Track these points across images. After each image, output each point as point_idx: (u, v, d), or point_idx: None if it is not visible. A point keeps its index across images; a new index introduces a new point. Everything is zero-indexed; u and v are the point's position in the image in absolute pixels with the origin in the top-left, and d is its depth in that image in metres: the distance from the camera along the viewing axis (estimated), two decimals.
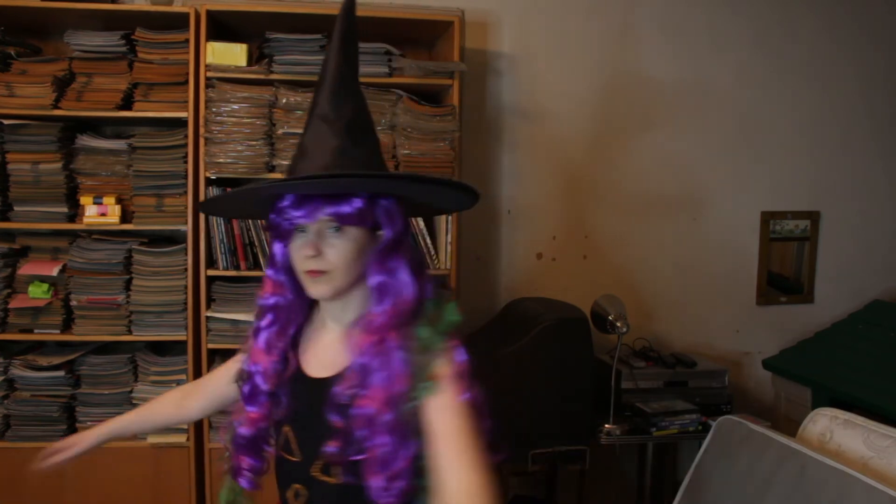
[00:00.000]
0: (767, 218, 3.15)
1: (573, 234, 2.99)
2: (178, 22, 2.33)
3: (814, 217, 3.20)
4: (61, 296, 2.36)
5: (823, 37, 3.14)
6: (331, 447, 1.08)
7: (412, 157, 2.42)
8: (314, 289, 1.11)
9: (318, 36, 2.37)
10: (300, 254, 1.09)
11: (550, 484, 2.77)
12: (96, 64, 2.35)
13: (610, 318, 2.55)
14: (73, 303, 2.35)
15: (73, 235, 2.40)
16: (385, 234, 1.11)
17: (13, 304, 2.33)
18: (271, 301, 1.19)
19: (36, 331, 2.36)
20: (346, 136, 1.09)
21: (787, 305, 3.22)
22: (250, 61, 2.36)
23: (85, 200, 2.34)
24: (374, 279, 1.11)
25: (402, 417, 1.05)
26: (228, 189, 2.29)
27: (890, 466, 1.53)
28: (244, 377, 1.21)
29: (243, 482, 1.22)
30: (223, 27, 2.47)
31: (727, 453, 1.82)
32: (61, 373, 2.35)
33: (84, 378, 2.39)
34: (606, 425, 2.50)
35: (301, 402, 1.17)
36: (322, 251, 1.08)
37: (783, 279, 3.22)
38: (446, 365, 1.07)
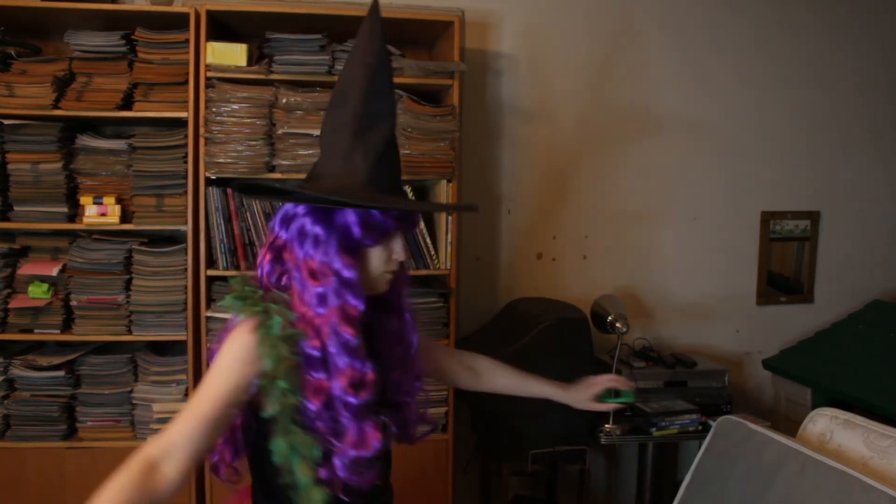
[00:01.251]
0: (767, 218, 3.15)
1: (573, 234, 2.99)
2: (178, 22, 2.33)
3: (814, 217, 3.21)
4: (61, 296, 2.35)
5: (823, 37, 3.14)
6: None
7: (412, 157, 2.41)
8: (385, 286, 1.24)
9: (319, 36, 2.37)
10: (396, 254, 1.21)
11: (550, 484, 2.78)
12: (96, 64, 2.35)
13: (610, 318, 2.55)
14: (73, 303, 2.35)
15: (73, 235, 2.40)
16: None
17: (13, 304, 2.33)
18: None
19: (36, 331, 2.35)
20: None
21: (787, 305, 3.22)
22: (250, 61, 2.36)
23: (85, 200, 2.34)
24: None
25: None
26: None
27: (890, 466, 1.53)
28: None
29: None
30: (223, 27, 2.47)
31: (727, 453, 1.82)
32: (61, 373, 2.35)
33: (84, 378, 2.39)
34: (606, 425, 2.50)
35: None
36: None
37: (783, 279, 3.22)
38: None
